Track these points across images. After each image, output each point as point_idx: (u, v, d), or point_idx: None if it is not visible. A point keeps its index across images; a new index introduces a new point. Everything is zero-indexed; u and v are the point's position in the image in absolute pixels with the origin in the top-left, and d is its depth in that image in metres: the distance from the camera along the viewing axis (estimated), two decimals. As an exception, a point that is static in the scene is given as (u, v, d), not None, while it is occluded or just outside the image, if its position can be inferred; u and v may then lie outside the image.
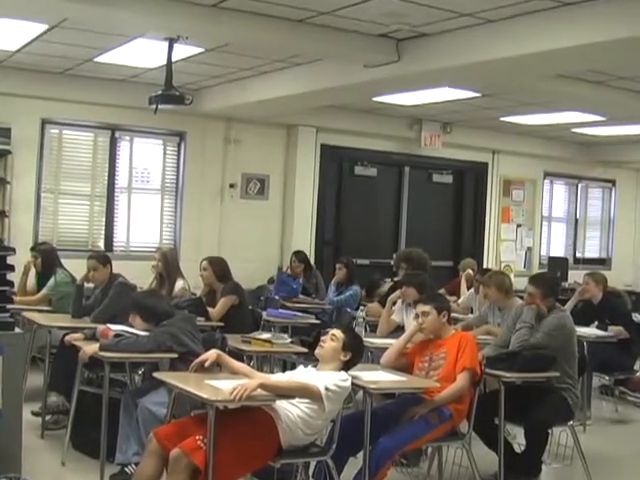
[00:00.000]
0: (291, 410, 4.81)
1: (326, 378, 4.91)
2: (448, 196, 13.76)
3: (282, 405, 4.79)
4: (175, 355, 5.70)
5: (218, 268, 8.06)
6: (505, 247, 14.24)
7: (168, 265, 8.18)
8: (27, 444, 5.59)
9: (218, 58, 8.89)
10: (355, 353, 5.18)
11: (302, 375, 5.10)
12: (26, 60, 9.37)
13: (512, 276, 9.57)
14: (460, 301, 9.58)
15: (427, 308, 5.84)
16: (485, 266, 12.89)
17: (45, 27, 7.75)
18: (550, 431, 6.16)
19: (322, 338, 5.23)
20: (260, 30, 7.28)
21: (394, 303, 7.54)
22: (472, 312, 9.04)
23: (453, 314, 7.06)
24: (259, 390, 4.57)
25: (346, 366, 5.12)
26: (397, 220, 13.21)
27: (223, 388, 4.63)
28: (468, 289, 9.81)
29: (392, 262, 9.81)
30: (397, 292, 7.53)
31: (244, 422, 4.66)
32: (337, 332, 5.19)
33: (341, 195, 12.67)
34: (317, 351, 5.20)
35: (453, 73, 8.00)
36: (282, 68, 9.32)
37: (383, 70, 8.04)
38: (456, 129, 12.84)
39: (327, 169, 12.38)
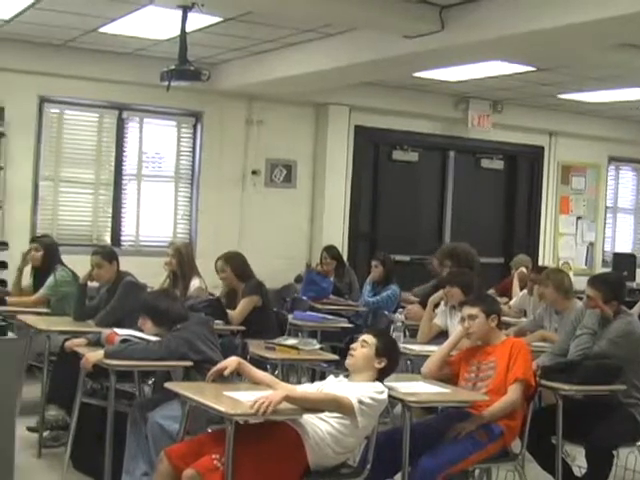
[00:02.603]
0: (320, 426, 4.81)
1: (360, 390, 4.91)
2: (499, 184, 13.71)
3: (310, 420, 4.79)
4: (190, 363, 5.71)
5: (236, 265, 8.08)
6: (564, 242, 14.17)
7: (182, 262, 8.19)
8: (21, 464, 5.63)
9: (238, 28, 8.90)
10: (390, 359, 5.18)
11: (333, 386, 5.09)
12: (21, 30, 9.42)
13: (571, 275, 9.52)
14: (512, 303, 9.58)
15: (474, 311, 5.82)
16: (541, 263, 12.88)
17: (43, -8, 7.80)
18: (615, 453, 6.09)
19: (352, 346, 5.22)
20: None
21: (436, 305, 7.51)
22: (525, 315, 9.00)
23: (504, 318, 7.04)
24: (284, 403, 4.57)
25: (382, 375, 5.12)
26: (441, 211, 13.19)
27: (244, 400, 4.64)
28: (521, 289, 9.78)
29: (430, 258, 9.67)
30: (439, 292, 7.51)
31: (267, 439, 4.67)
32: (368, 337, 5.19)
33: (378, 183, 12.67)
34: (347, 361, 5.19)
35: (504, 44, 7.95)
36: (311, 39, 9.31)
37: (425, 41, 8.00)
38: (508, 108, 12.79)
39: (362, 153, 12.37)
